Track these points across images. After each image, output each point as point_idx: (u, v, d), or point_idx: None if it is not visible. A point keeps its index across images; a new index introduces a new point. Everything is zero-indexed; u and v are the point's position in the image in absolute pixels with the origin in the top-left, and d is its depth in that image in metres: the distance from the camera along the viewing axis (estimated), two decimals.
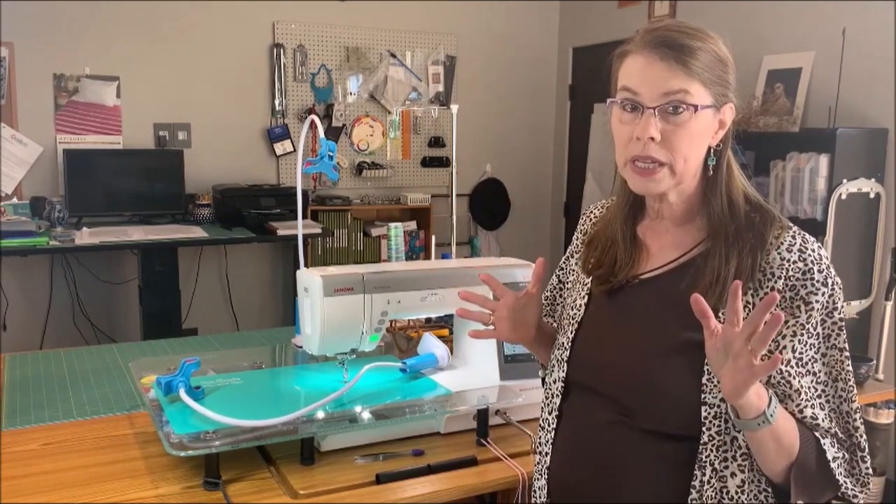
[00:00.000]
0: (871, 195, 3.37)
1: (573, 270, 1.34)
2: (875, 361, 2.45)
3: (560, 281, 1.39)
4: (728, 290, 1.03)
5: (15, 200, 4.05)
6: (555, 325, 1.38)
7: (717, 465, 1.07)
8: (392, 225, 2.26)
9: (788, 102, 3.73)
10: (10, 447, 1.55)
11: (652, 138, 1.07)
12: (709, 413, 1.06)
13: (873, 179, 3.36)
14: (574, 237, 1.37)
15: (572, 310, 1.25)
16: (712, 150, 1.14)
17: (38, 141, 4.17)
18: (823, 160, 3.30)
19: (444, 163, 5.22)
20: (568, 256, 1.38)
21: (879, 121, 3.45)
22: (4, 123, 4.07)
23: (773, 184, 3.53)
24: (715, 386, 1.06)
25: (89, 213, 4.16)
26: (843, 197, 3.28)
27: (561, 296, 1.39)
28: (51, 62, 4.17)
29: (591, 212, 1.35)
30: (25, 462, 1.49)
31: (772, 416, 0.99)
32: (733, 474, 1.07)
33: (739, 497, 1.07)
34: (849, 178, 3.30)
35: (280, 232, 4.05)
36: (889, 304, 2.99)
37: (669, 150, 1.08)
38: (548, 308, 1.41)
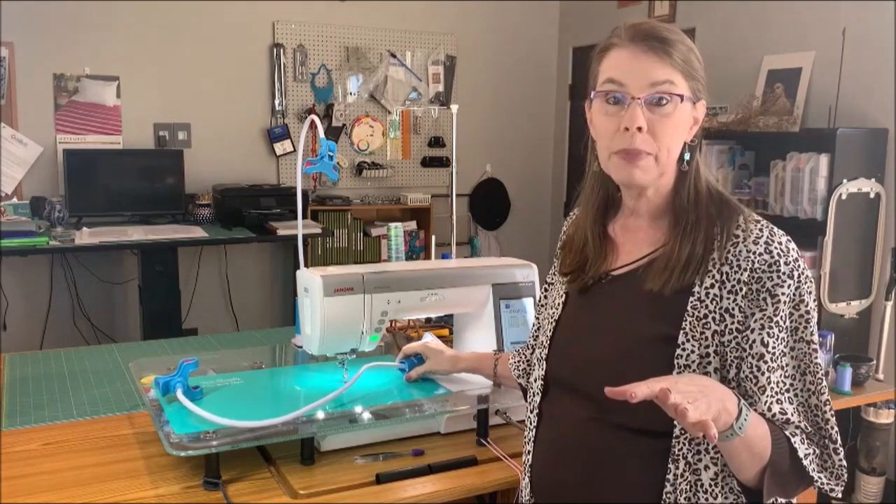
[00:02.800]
0: (871, 195, 3.37)
1: (556, 272, 1.36)
2: (875, 361, 2.44)
3: (550, 283, 1.40)
4: (675, 276, 1.08)
5: (15, 200, 4.05)
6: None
7: (689, 459, 1.08)
8: (392, 225, 2.26)
9: (788, 102, 3.73)
10: (10, 447, 1.55)
11: (640, 128, 1.09)
12: None
13: (873, 179, 3.36)
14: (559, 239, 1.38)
15: (551, 309, 1.28)
16: (687, 147, 1.16)
17: (38, 141, 4.17)
18: (823, 160, 3.30)
19: (444, 163, 5.23)
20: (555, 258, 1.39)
21: (879, 121, 3.45)
22: (4, 123, 4.07)
23: (773, 184, 3.53)
24: None
25: (89, 213, 4.16)
26: (843, 197, 3.28)
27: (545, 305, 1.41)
28: (51, 62, 4.17)
29: (573, 214, 1.37)
30: (25, 462, 1.49)
31: (740, 428, 0.99)
32: (706, 467, 1.08)
33: (713, 489, 1.08)
34: (849, 178, 3.30)
35: (280, 232, 4.05)
36: (889, 304, 2.99)
37: (655, 140, 1.11)
38: (540, 308, 1.43)
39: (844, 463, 1.10)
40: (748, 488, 1.08)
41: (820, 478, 1.08)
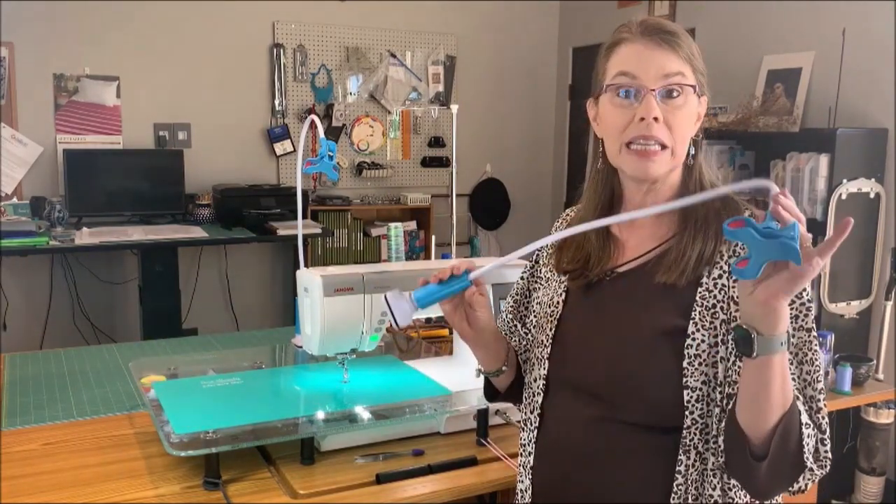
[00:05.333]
0: (871, 195, 3.37)
1: (544, 271, 1.32)
2: (875, 361, 2.44)
3: (528, 286, 1.36)
4: (690, 269, 1.10)
5: (15, 200, 4.05)
6: (521, 329, 1.35)
7: (700, 448, 1.09)
8: (392, 225, 2.26)
9: (788, 102, 3.73)
10: (10, 447, 1.56)
11: (655, 118, 1.10)
12: (691, 397, 1.08)
13: (873, 179, 3.36)
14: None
15: (549, 307, 1.25)
16: (691, 141, 1.17)
17: (38, 141, 4.17)
18: (823, 160, 3.30)
19: (444, 163, 5.23)
20: (536, 260, 1.37)
21: (879, 121, 3.45)
22: (4, 123, 4.07)
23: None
24: (696, 369, 1.08)
25: (89, 213, 4.16)
26: (843, 197, 3.28)
27: (525, 304, 1.36)
28: (51, 62, 4.17)
29: (567, 214, 1.36)
30: (25, 462, 1.49)
31: (792, 336, 0.98)
32: (711, 455, 1.09)
33: (712, 479, 1.09)
34: (849, 178, 3.30)
35: (280, 232, 4.05)
36: (889, 304, 2.99)
37: (670, 131, 1.12)
38: (512, 307, 1.37)
39: (830, 455, 1.10)
40: (745, 475, 1.06)
41: (809, 458, 1.06)
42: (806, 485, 1.07)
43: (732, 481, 1.10)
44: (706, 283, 1.11)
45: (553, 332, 1.23)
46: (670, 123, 1.11)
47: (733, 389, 1.07)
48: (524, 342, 1.34)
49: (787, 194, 0.91)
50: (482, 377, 1.35)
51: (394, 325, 1.23)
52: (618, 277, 1.19)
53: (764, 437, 1.01)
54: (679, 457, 1.09)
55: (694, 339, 1.08)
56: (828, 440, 1.10)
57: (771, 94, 3.80)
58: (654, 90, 1.10)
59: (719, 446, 1.08)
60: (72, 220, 4.09)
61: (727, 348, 1.08)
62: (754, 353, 0.96)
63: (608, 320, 1.17)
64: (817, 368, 1.10)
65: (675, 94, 1.11)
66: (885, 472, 2.81)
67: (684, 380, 1.08)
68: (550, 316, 1.24)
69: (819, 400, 1.10)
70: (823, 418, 1.10)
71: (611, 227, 1.23)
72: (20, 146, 4.13)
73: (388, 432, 1.60)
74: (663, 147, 1.12)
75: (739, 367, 1.07)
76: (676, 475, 1.09)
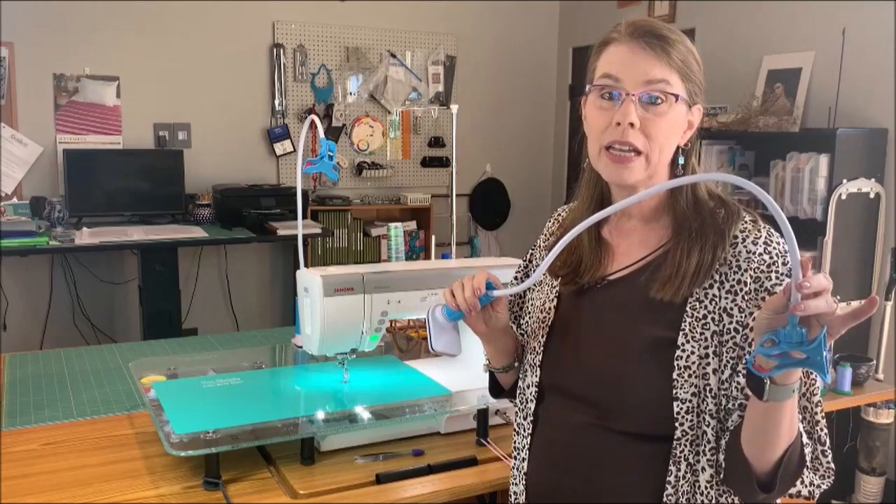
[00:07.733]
0: (871, 195, 3.37)
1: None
2: (875, 361, 2.44)
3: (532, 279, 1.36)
4: (686, 286, 1.07)
5: (15, 200, 4.05)
6: (517, 330, 1.34)
7: (690, 460, 1.08)
8: (392, 225, 2.26)
9: (788, 102, 3.73)
10: (10, 447, 1.56)
11: (631, 124, 1.08)
12: (681, 408, 1.07)
13: (873, 179, 3.36)
14: (538, 241, 1.35)
15: (542, 313, 1.25)
16: (680, 150, 1.15)
17: (38, 141, 4.16)
18: (823, 160, 3.30)
19: (444, 163, 5.23)
20: (530, 260, 1.36)
21: (879, 121, 3.45)
22: (4, 123, 4.07)
23: (773, 184, 3.53)
24: (686, 381, 1.07)
25: (89, 213, 4.16)
26: (843, 197, 3.28)
27: (519, 304, 1.36)
28: (51, 62, 4.17)
29: (559, 214, 1.35)
30: (25, 462, 1.49)
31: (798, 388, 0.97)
32: (703, 468, 1.08)
33: (709, 491, 1.08)
34: (849, 178, 3.30)
35: (280, 232, 4.05)
36: (889, 304, 2.99)
37: (647, 138, 1.10)
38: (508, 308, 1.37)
39: (833, 465, 1.10)
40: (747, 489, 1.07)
41: (810, 474, 1.08)
42: (811, 492, 1.08)
43: (723, 488, 1.09)
44: (697, 294, 1.09)
45: (545, 339, 1.22)
46: (648, 130, 1.09)
47: (732, 405, 1.07)
48: (520, 342, 1.34)
49: (808, 277, 0.89)
50: (488, 373, 1.36)
51: (430, 345, 1.26)
52: (608, 285, 1.18)
53: (769, 467, 1.03)
54: (669, 467, 1.08)
55: (684, 351, 1.07)
56: (829, 451, 1.09)
57: (771, 94, 3.80)
58: (634, 95, 1.09)
59: (719, 463, 1.08)
60: (72, 220, 4.09)
61: (719, 360, 1.07)
62: (765, 399, 0.96)
63: (599, 329, 1.17)
64: (814, 380, 1.09)
65: (658, 101, 1.09)
66: (885, 472, 2.80)
67: (674, 391, 1.07)
68: (542, 322, 1.24)
69: (817, 412, 1.10)
70: (822, 430, 1.10)
71: (602, 232, 1.22)
72: (20, 146, 4.13)
73: (388, 432, 1.60)
74: (637, 153, 1.10)
75: (738, 383, 1.07)
76: (666, 485, 1.08)
